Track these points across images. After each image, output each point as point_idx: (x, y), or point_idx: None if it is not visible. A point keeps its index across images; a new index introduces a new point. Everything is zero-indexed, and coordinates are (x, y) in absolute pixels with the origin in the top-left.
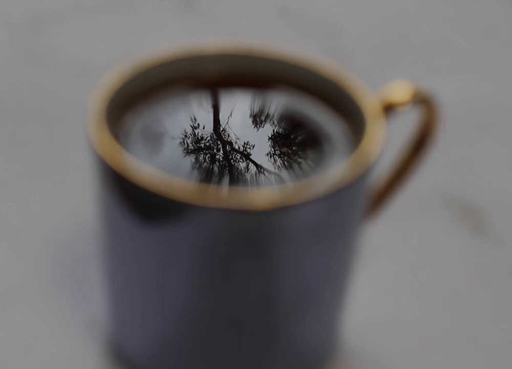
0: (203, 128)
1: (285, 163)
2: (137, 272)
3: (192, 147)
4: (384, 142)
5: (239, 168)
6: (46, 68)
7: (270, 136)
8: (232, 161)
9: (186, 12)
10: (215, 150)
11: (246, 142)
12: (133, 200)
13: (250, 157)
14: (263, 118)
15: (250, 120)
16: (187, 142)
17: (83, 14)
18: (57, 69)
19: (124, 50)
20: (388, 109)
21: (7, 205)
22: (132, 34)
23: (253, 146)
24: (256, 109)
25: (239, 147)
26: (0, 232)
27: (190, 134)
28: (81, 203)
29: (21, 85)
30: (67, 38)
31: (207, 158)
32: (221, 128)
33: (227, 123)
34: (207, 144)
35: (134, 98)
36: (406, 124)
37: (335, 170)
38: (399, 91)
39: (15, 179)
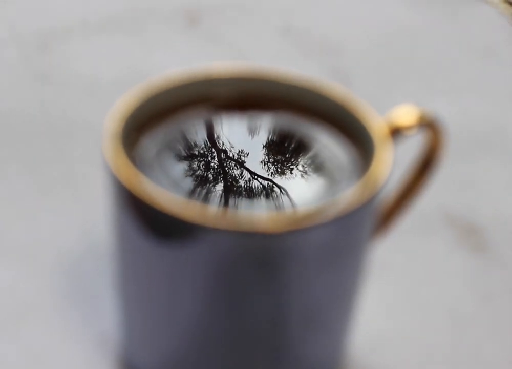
0: (215, 151)
1: (296, 187)
2: (149, 291)
3: (206, 170)
4: (392, 165)
5: (251, 192)
6: (54, 85)
7: (279, 160)
8: (244, 184)
9: (191, 30)
10: (228, 174)
11: (257, 165)
12: (147, 221)
13: (261, 181)
14: (273, 142)
15: (260, 143)
16: (201, 165)
17: (91, 32)
18: (65, 86)
19: (131, 68)
20: (395, 133)
21: (18, 222)
22: (139, 51)
23: (264, 169)
24: (266, 133)
25: (250, 171)
26: (11, 249)
27: (203, 157)
28: (90, 220)
29: (29, 102)
30: (74, 55)
31: (220, 181)
32: (232, 152)
33: (237, 146)
34: (220, 167)
35: (149, 120)
36: (410, 146)
37: (344, 195)
38: (405, 115)
39: (24, 196)
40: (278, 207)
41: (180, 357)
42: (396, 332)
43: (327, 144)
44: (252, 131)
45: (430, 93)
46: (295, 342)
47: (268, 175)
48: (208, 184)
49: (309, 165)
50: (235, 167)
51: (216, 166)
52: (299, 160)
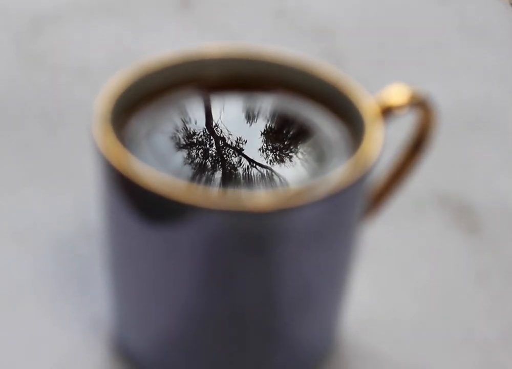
0: (205, 131)
1: (286, 166)
2: (141, 272)
3: (195, 150)
4: (383, 144)
5: (241, 171)
6: (46, 70)
7: (270, 140)
8: (233, 164)
9: (183, 14)
10: (217, 154)
11: (247, 145)
12: (137, 202)
13: (252, 159)
14: (263, 121)
15: (250, 123)
16: (190, 145)
17: (82, 15)
18: (57, 70)
19: (122, 52)
20: (386, 112)
21: (11, 206)
22: (130, 35)
23: (254, 149)
24: (256, 113)
25: (240, 151)
26: (4, 233)
27: (193, 137)
28: (83, 204)
29: (21, 86)
30: (66, 40)
31: (210, 161)
32: (222, 132)
33: (228, 127)
34: (210, 147)
35: (138, 101)
36: (403, 126)
37: (335, 173)
38: (397, 94)
39: (18, 181)
40: (268, 186)
41: (172, 338)
42: (388, 314)
43: (319, 123)
44: (243, 112)
45: (423, 75)
46: (286, 321)
47: (258, 154)
48: (197, 164)
49: (300, 144)
50: (225, 147)
51: (205, 146)
52: (290, 139)
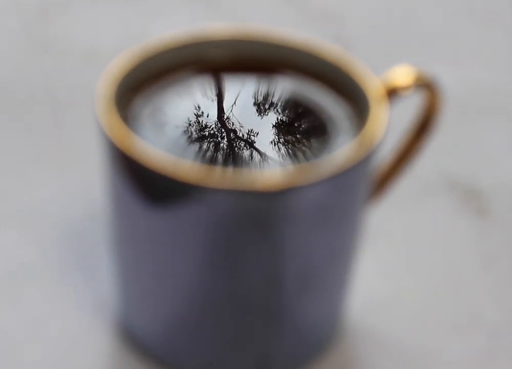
0: (210, 112)
1: (292, 145)
2: (146, 254)
3: (200, 130)
4: (388, 124)
5: (246, 150)
6: (55, 55)
7: (276, 120)
8: (238, 144)
9: None
10: (222, 134)
11: (252, 126)
12: (141, 182)
13: (256, 140)
14: (269, 102)
15: (256, 105)
16: (194, 125)
17: (89, 2)
18: (65, 55)
19: (131, 37)
20: (392, 93)
21: (17, 189)
22: (139, 20)
23: (259, 130)
24: (262, 94)
25: (245, 131)
26: (10, 215)
27: (198, 118)
28: (89, 186)
29: (29, 72)
30: (74, 25)
31: (214, 140)
32: (227, 113)
33: (233, 107)
34: (214, 127)
35: (143, 82)
36: (409, 109)
37: (340, 152)
38: (402, 75)
39: (24, 163)
40: (273, 166)
41: (177, 321)
42: (394, 297)
43: (324, 104)
44: (249, 92)
45: (432, 59)
46: (292, 302)
47: (264, 133)
48: (202, 144)
49: (306, 124)
50: (230, 127)
51: (210, 126)
52: (296, 119)
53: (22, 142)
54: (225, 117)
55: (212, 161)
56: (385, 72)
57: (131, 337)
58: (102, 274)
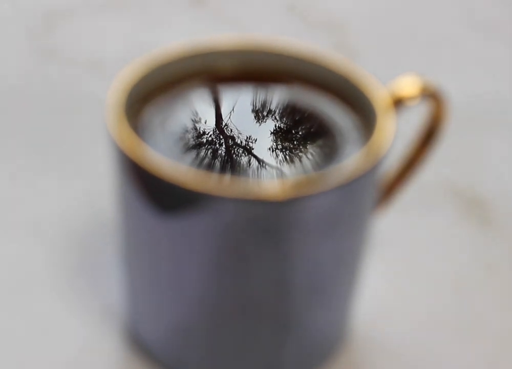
0: (218, 121)
1: (300, 155)
2: (155, 261)
3: (209, 140)
4: (394, 134)
5: (255, 160)
6: (59, 64)
7: (284, 129)
8: (247, 153)
9: (195, 7)
10: (231, 143)
11: (254, 135)
12: (151, 191)
13: (264, 149)
14: (277, 112)
15: (263, 114)
16: (204, 135)
17: (95, 9)
18: (70, 64)
19: (135, 46)
20: (398, 103)
21: (25, 197)
22: (143, 29)
23: (265, 140)
24: (268, 104)
25: (254, 140)
26: (18, 222)
27: (207, 127)
28: (97, 194)
29: (34, 79)
30: (79, 34)
31: (223, 149)
32: (235, 122)
33: (241, 116)
34: (223, 136)
35: (152, 91)
36: (415, 118)
37: (347, 162)
38: (408, 85)
39: (32, 171)
40: (282, 175)
41: (186, 328)
42: (400, 305)
43: (331, 114)
44: (256, 102)
45: (435, 68)
46: (299, 310)
47: (271, 143)
48: (211, 153)
49: (313, 134)
50: (239, 136)
51: (219, 136)
52: (303, 128)
53: (30, 150)
54: (233, 126)
55: (222, 169)
56: (388, 80)
57: (139, 345)
58: (110, 282)
